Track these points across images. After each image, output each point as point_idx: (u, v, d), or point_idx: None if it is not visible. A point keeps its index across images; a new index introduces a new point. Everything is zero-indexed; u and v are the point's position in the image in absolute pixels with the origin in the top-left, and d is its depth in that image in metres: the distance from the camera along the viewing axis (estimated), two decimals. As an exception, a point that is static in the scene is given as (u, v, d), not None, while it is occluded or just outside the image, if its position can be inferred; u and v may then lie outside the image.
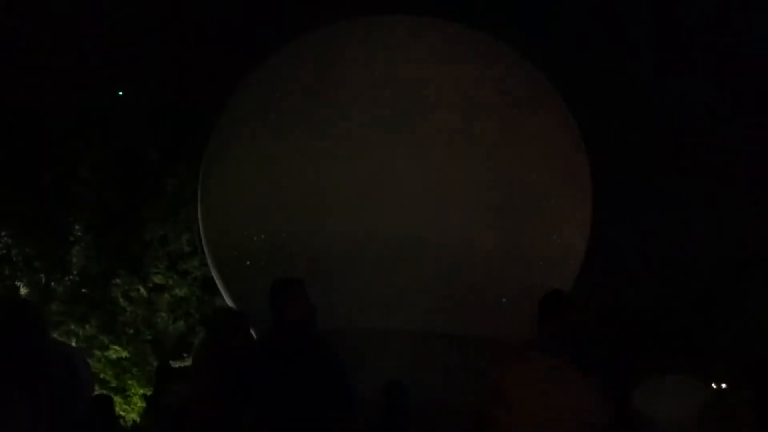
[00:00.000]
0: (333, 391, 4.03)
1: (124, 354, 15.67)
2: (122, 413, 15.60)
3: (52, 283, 15.80)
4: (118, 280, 15.64)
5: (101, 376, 15.18)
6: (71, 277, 15.82)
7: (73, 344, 14.55)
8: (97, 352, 15.35)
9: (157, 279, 15.84)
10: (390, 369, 7.06)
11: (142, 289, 15.75)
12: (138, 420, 15.75)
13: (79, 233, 15.76)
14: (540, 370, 3.38)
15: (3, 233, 15.92)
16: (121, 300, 15.67)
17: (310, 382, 3.97)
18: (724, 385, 16.25)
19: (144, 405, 15.94)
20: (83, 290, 15.81)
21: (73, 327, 15.46)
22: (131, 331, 15.74)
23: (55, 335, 14.21)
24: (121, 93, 16.98)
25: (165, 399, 5.75)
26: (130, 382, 15.82)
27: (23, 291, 14.59)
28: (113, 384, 15.63)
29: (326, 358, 4.11)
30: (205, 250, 11.02)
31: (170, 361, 13.88)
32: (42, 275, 15.97)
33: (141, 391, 15.86)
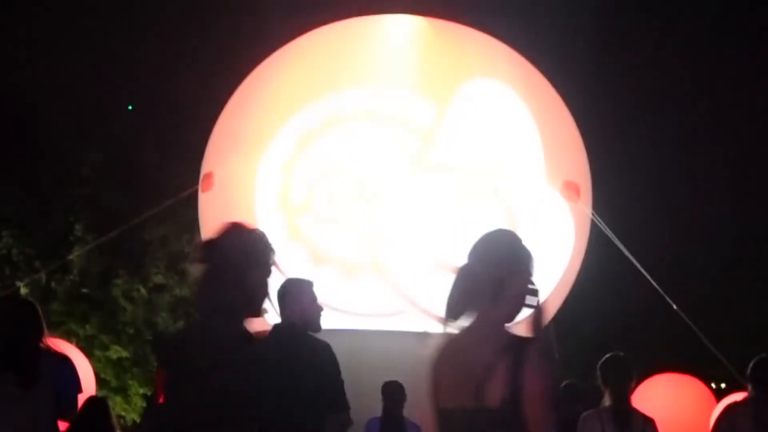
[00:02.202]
0: (321, 394, 3.99)
1: (125, 354, 15.66)
2: (122, 413, 15.60)
3: (52, 283, 15.78)
4: (118, 280, 15.64)
5: (101, 376, 15.17)
6: (71, 277, 15.80)
7: (73, 344, 14.52)
8: (97, 352, 15.34)
9: (157, 279, 15.84)
10: (390, 369, 7.06)
11: (142, 289, 15.75)
12: (138, 420, 15.76)
13: (79, 233, 15.74)
14: None
15: (3, 233, 15.90)
16: (121, 300, 15.66)
17: (295, 383, 3.92)
18: (723, 385, 16.26)
19: (144, 405, 15.95)
20: (83, 290, 15.79)
21: (73, 327, 15.45)
22: (131, 331, 15.73)
23: (55, 335, 14.19)
24: (130, 107, 17.02)
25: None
26: (130, 382, 15.82)
27: (23, 291, 14.56)
28: (113, 384, 15.63)
29: (316, 360, 4.06)
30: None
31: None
32: (42, 275, 15.95)
33: (141, 391, 15.87)
